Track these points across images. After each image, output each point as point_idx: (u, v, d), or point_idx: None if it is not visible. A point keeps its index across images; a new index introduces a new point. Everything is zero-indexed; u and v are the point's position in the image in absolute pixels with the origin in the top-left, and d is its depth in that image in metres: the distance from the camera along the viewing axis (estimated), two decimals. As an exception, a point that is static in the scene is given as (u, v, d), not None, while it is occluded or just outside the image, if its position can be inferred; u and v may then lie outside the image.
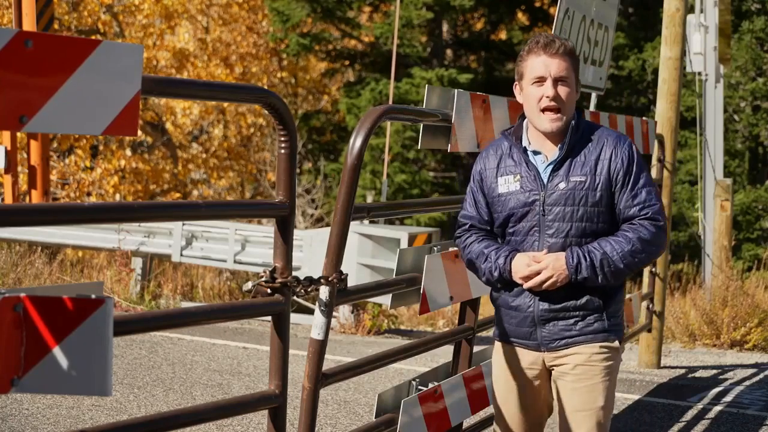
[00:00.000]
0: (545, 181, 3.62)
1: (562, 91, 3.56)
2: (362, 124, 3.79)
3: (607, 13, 6.94)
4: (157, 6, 24.27)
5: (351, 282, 3.85)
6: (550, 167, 3.62)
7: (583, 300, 3.62)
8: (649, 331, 8.57)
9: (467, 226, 3.82)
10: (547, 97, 3.55)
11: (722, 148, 14.71)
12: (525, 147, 3.67)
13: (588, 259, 3.55)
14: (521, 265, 3.60)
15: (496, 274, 3.67)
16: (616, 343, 3.69)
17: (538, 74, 3.57)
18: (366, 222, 10.66)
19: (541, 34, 3.66)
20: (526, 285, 3.60)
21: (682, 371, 8.79)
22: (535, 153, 3.66)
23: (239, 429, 6.03)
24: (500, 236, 3.76)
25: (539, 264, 3.57)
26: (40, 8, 10.21)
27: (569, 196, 3.59)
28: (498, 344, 3.86)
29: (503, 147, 3.73)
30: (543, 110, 3.58)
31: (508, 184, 3.67)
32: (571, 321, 3.63)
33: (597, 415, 3.66)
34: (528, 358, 3.74)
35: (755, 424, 6.79)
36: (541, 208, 3.61)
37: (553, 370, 3.71)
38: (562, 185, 3.59)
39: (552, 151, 3.64)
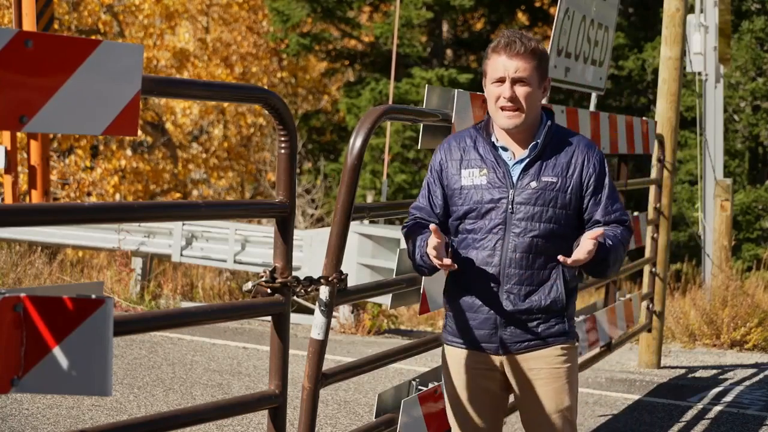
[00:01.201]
0: (514, 179, 3.59)
1: (520, 91, 3.53)
2: (362, 124, 3.79)
3: (607, 13, 6.95)
4: (158, 6, 24.28)
5: (351, 282, 3.85)
6: (519, 165, 3.59)
7: (548, 301, 3.58)
8: (649, 331, 8.57)
9: (413, 218, 3.74)
10: (504, 97, 3.53)
11: (722, 148, 14.70)
12: (494, 142, 3.64)
13: (609, 252, 3.53)
14: (432, 242, 3.48)
15: (417, 257, 3.61)
16: (576, 344, 3.70)
17: (497, 75, 3.54)
18: (366, 222, 10.66)
19: (505, 32, 3.61)
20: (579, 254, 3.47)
21: (682, 371, 8.78)
22: (504, 149, 3.63)
23: (239, 429, 6.03)
24: (453, 232, 3.67)
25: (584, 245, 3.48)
26: (40, 8, 10.20)
27: (540, 195, 3.56)
28: (449, 348, 3.74)
29: (467, 140, 3.68)
30: (501, 108, 3.56)
31: (472, 178, 3.61)
32: (534, 323, 3.59)
33: (565, 415, 3.65)
34: (487, 362, 3.65)
35: (755, 424, 6.78)
36: (510, 206, 3.56)
37: (512, 375, 3.65)
38: (533, 184, 3.56)
39: (519, 149, 3.61)
